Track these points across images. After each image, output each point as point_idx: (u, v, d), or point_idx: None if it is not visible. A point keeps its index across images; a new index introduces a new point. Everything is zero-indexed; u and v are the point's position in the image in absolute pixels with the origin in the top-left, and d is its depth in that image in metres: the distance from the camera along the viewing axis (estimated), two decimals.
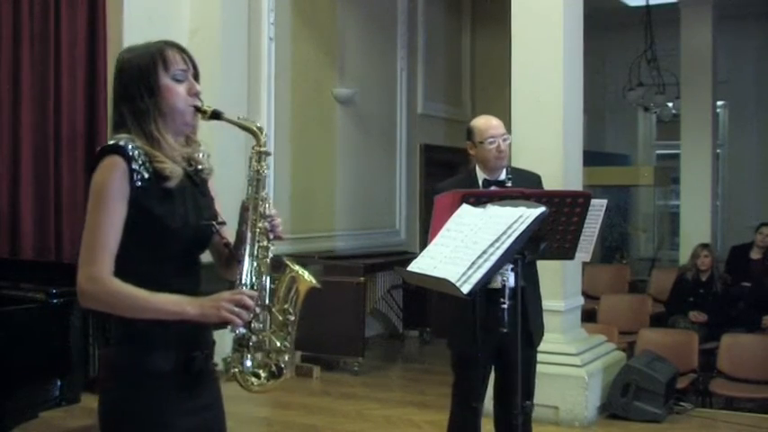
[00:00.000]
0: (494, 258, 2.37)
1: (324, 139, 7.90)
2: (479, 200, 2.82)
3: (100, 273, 1.86)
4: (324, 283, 2.15)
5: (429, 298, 7.81)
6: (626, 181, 11.36)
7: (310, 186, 7.66)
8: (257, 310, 1.94)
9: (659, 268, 9.86)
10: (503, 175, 3.54)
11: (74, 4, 5.84)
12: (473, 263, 2.37)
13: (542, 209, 2.47)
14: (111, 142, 1.92)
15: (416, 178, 9.33)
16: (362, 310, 6.66)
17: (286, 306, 1.99)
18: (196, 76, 2.02)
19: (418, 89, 9.30)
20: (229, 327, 1.91)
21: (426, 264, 2.54)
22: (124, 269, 1.90)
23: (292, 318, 1.99)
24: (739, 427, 5.27)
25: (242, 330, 1.92)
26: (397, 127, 8.97)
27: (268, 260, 1.99)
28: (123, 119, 1.95)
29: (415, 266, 2.58)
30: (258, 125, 2.07)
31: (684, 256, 8.73)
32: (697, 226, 9.32)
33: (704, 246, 7.55)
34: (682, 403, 5.56)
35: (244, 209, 2.02)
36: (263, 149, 2.04)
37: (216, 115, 2.00)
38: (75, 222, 5.81)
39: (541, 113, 5.17)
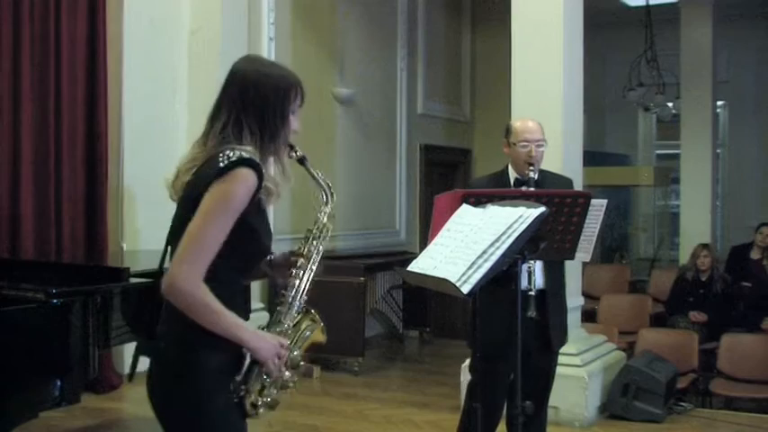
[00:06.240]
0: (494, 258, 2.37)
1: (324, 140, 7.89)
2: (479, 200, 2.82)
3: (196, 276, 1.90)
4: (324, 283, 2.23)
5: (429, 298, 7.81)
6: (626, 181, 11.37)
7: (310, 186, 7.63)
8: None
9: (659, 268, 9.88)
10: (535, 176, 3.55)
11: (74, 4, 5.83)
12: (473, 263, 2.37)
13: (542, 209, 2.48)
14: (246, 155, 1.95)
15: (416, 178, 9.34)
16: (362, 310, 6.66)
17: (298, 351, 2.13)
18: None
19: (418, 89, 9.30)
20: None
21: (426, 264, 2.54)
22: (208, 272, 1.95)
23: (300, 361, 2.13)
24: (739, 427, 5.27)
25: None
26: (397, 127, 8.97)
27: (302, 309, 2.16)
28: (241, 129, 2.00)
29: (415, 266, 2.58)
30: (331, 188, 2.31)
31: (684, 256, 8.73)
32: (697, 226, 9.33)
33: (704, 246, 7.55)
34: (682, 403, 5.56)
35: (297, 255, 2.18)
36: (332, 212, 2.27)
37: (301, 161, 2.19)
38: (75, 222, 5.81)
39: (541, 114, 5.16)
